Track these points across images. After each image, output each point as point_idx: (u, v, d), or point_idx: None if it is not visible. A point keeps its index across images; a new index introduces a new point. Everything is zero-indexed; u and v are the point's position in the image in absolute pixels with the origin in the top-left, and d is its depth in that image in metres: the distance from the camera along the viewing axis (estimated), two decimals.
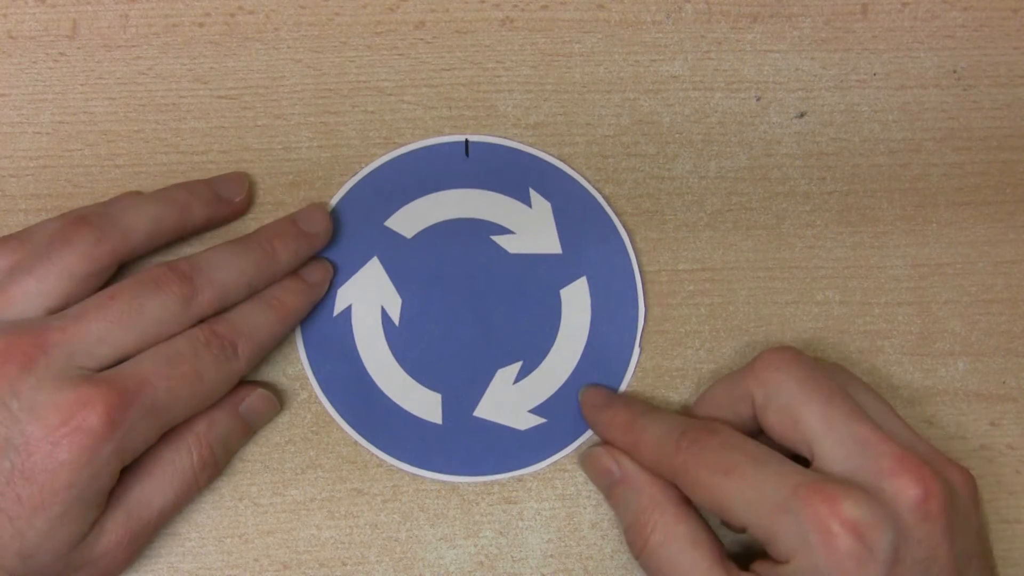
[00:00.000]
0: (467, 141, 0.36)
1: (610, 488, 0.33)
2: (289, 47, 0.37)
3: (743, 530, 0.29)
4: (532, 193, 0.36)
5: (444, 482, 0.35)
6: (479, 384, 0.35)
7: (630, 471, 0.32)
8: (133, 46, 0.36)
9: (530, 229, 0.36)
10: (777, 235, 0.37)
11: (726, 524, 0.31)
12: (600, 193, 0.36)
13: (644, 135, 0.37)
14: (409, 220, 0.36)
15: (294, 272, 0.34)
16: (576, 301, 0.36)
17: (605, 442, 0.34)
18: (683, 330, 0.36)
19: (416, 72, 0.37)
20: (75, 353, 0.29)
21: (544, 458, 0.35)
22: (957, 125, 0.38)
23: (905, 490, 0.28)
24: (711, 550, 0.30)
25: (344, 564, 0.34)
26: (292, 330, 0.34)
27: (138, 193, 0.35)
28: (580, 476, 0.35)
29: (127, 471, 0.30)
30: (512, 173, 0.36)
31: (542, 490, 0.35)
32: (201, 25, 0.37)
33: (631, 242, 0.36)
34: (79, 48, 0.36)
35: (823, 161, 0.37)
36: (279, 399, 0.35)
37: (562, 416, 0.35)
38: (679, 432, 0.31)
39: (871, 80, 0.38)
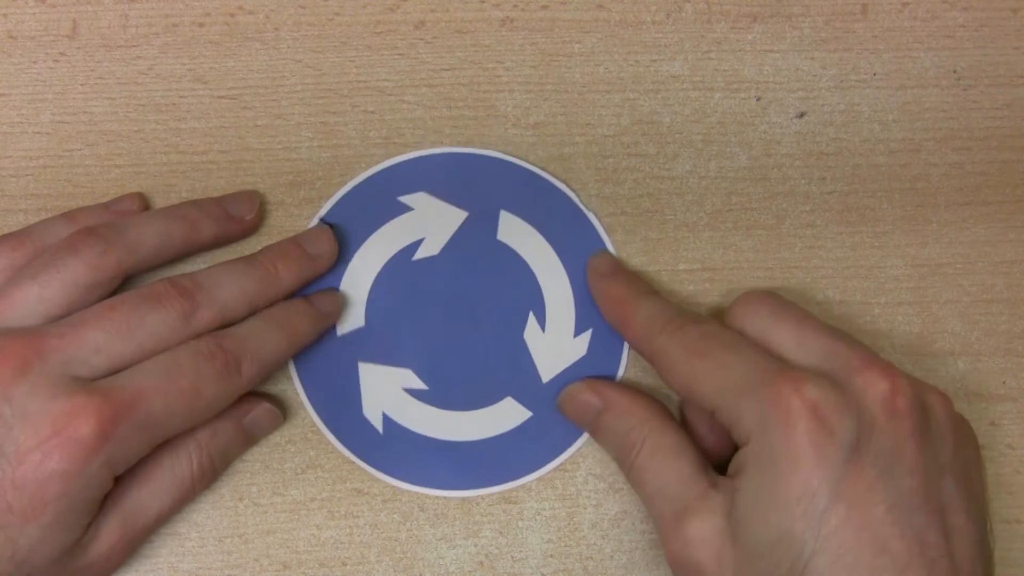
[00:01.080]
0: None
1: (595, 419, 0.33)
2: (289, 47, 0.37)
3: (711, 415, 0.30)
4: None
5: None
6: (525, 358, 0.35)
7: (612, 398, 0.33)
8: (133, 46, 0.36)
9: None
10: (777, 235, 0.37)
11: (696, 408, 0.32)
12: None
13: (644, 135, 0.37)
14: (350, 312, 0.35)
15: (305, 297, 0.34)
16: (515, 231, 0.36)
17: (587, 379, 0.34)
18: None
19: (416, 72, 0.37)
20: (70, 361, 0.28)
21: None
22: (957, 125, 0.38)
23: (872, 384, 0.28)
24: (694, 458, 0.31)
25: (344, 564, 0.34)
26: (296, 354, 0.34)
27: (140, 194, 0.35)
28: (580, 476, 0.35)
29: (125, 475, 0.30)
30: (378, 198, 0.36)
31: (542, 490, 0.35)
32: (201, 25, 0.37)
33: (557, 179, 0.36)
34: (79, 48, 0.36)
35: (823, 161, 0.37)
36: (284, 408, 0.34)
37: (600, 318, 0.35)
38: (668, 316, 0.32)
39: (871, 80, 0.38)
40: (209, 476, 0.33)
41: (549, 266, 0.36)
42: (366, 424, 0.35)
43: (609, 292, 0.34)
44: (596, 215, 0.36)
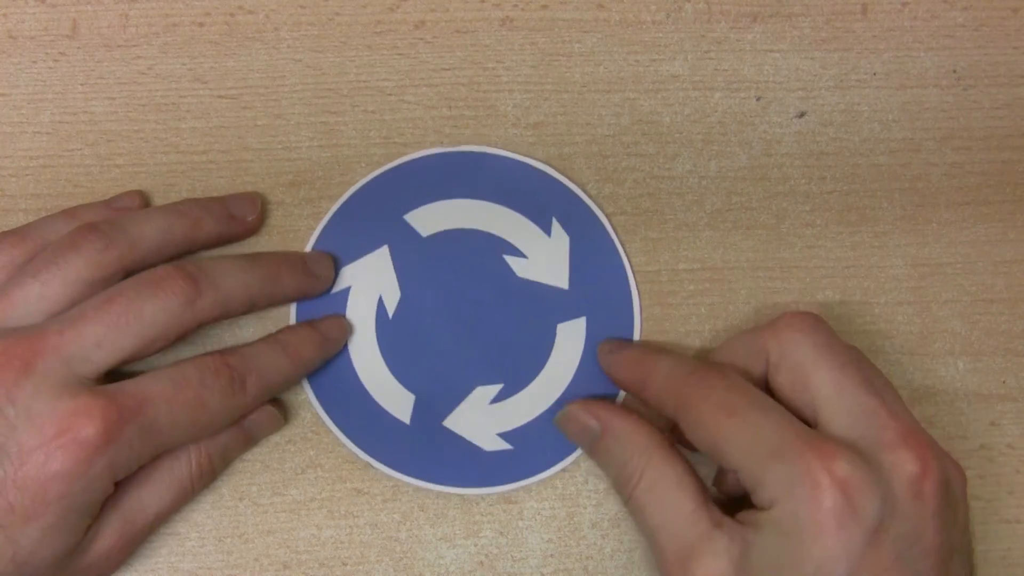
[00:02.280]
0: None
1: (592, 444, 0.33)
2: (289, 47, 0.37)
3: (735, 473, 0.29)
4: (555, 223, 0.36)
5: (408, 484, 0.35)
6: (455, 395, 0.35)
7: (611, 422, 0.32)
8: (133, 46, 0.36)
9: (543, 258, 0.36)
10: (777, 235, 0.37)
11: (719, 466, 0.32)
12: (619, 238, 0.36)
13: (644, 135, 0.37)
14: (427, 219, 0.36)
15: (311, 323, 0.34)
16: (571, 338, 0.35)
17: (586, 401, 0.34)
18: (683, 330, 0.36)
19: (416, 72, 0.37)
20: (72, 358, 0.28)
21: (503, 483, 0.34)
22: (957, 125, 0.38)
23: (903, 464, 0.28)
24: (696, 493, 0.30)
25: (344, 564, 0.34)
26: (302, 379, 0.34)
27: (140, 192, 0.35)
28: (580, 476, 0.35)
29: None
30: (539, 198, 0.36)
31: (542, 490, 0.35)
32: (201, 25, 0.37)
33: (637, 292, 0.36)
34: (79, 48, 0.36)
35: (823, 161, 0.37)
36: (285, 411, 0.34)
37: (530, 447, 0.35)
38: (689, 369, 0.31)
39: (871, 80, 0.38)
40: (208, 476, 0.33)
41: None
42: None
43: (625, 358, 0.34)
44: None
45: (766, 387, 0.31)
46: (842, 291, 0.37)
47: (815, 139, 0.37)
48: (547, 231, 0.36)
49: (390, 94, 0.37)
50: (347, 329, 0.35)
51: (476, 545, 0.35)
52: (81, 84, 0.36)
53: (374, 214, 0.36)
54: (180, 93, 0.36)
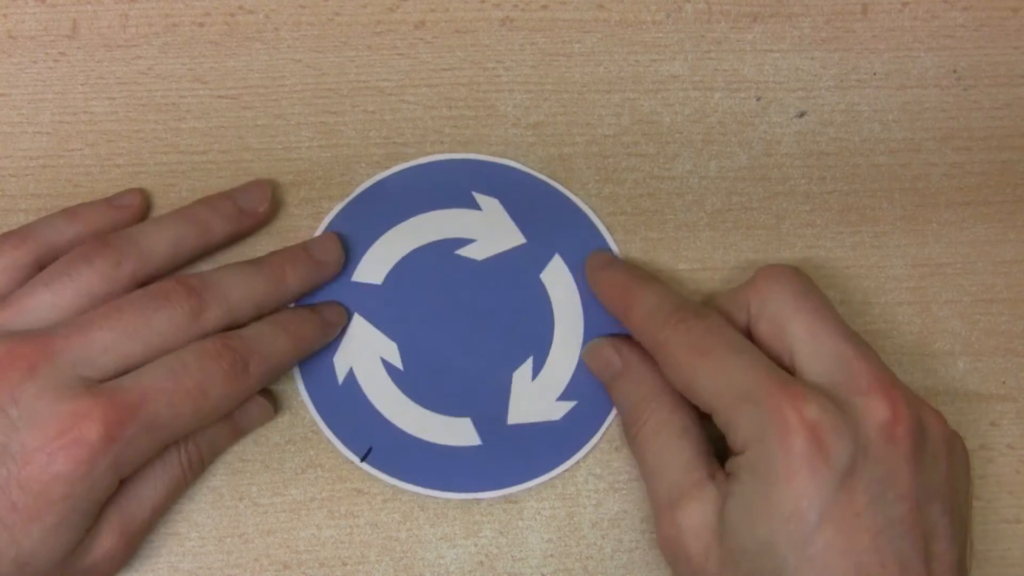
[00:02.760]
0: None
1: (612, 380, 0.34)
2: (289, 47, 0.37)
3: (709, 414, 0.30)
4: (476, 196, 0.36)
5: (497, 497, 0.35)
6: (502, 393, 0.35)
7: (632, 362, 0.33)
8: (133, 46, 0.36)
9: (489, 231, 0.36)
10: (777, 235, 0.37)
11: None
12: (533, 169, 0.36)
13: (644, 135, 0.37)
14: (374, 266, 0.35)
15: (311, 306, 0.34)
16: (559, 280, 0.36)
17: (613, 337, 0.34)
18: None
19: (416, 72, 0.37)
20: (78, 362, 0.28)
21: (588, 439, 0.35)
22: (957, 125, 0.38)
23: (874, 408, 0.28)
24: (697, 443, 0.31)
25: (344, 564, 0.34)
26: (303, 359, 0.34)
27: (141, 190, 0.35)
28: (580, 476, 0.35)
29: None
30: (451, 185, 0.36)
31: (542, 489, 0.35)
32: (201, 25, 0.37)
33: (586, 205, 0.36)
34: (79, 48, 0.36)
35: (823, 161, 0.37)
36: (275, 401, 0.34)
37: (590, 393, 0.35)
38: (670, 308, 0.31)
39: (871, 80, 0.38)
40: (197, 467, 0.33)
41: (569, 328, 0.35)
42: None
43: (610, 280, 0.34)
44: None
45: (749, 339, 0.31)
46: (842, 291, 0.37)
47: (815, 139, 0.37)
48: (475, 206, 0.36)
49: (390, 94, 0.37)
50: (343, 315, 0.35)
51: (476, 545, 0.35)
52: (81, 84, 0.36)
53: (327, 291, 0.35)
54: (180, 93, 0.36)
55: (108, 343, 0.29)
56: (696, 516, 0.29)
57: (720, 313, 0.32)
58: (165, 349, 0.30)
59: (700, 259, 0.36)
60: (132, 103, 0.36)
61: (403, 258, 0.35)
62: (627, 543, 0.35)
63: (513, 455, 0.35)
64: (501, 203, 0.36)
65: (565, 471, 0.35)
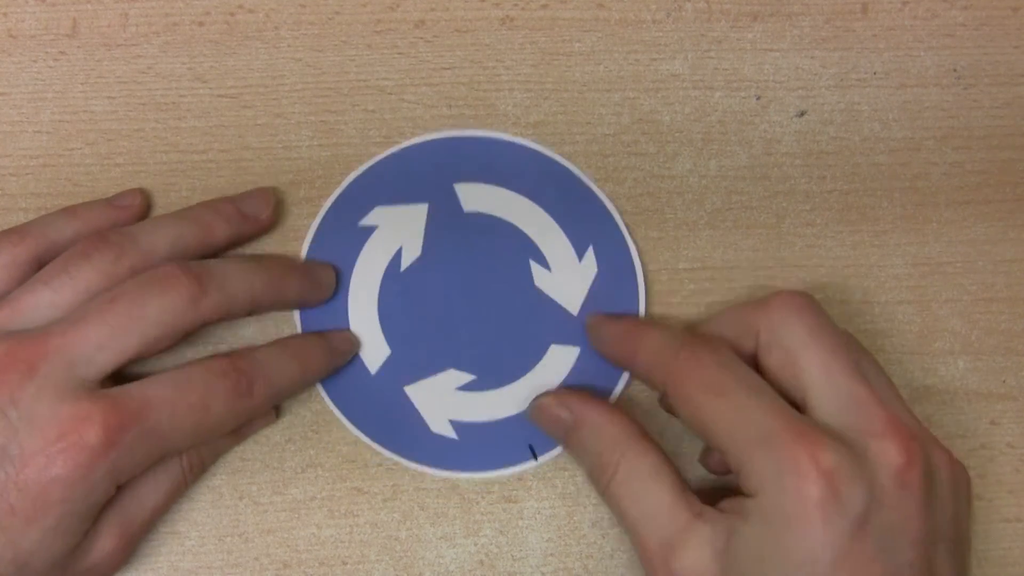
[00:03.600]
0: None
1: (566, 435, 0.33)
2: (289, 46, 0.37)
3: (720, 454, 0.29)
4: (590, 251, 0.36)
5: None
6: (427, 368, 0.35)
7: (583, 413, 0.32)
8: (133, 45, 0.36)
9: (566, 278, 0.35)
10: (777, 234, 0.37)
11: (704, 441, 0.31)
12: (645, 284, 0.36)
13: (644, 134, 0.37)
14: (474, 195, 0.36)
15: (319, 333, 0.34)
16: (559, 361, 0.35)
17: (558, 392, 0.34)
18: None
19: (416, 71, 0.37)
20: (75, 360, 0.28)
21: (442, 467, 0.35)
22: (957, 124, 0.38)
23: (888, 454, 0.28)
24: (673, 484, 0.30)
25: (344, 563, 0.34)
26: (309, 386, 0.34)
27: (142, 190, 0.35)
28: (580, 476, 0.35)
29: None
30: (586, 222, 0.36)
31: (542, 489, 0.35)
32: (201, 24, 0.37)
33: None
34: (79, 47, 0.36)
35: (823, 160, 0.37)
36: (276, 409, 0.34)
37: (474, 444, 0.35)
38: (680, 343, 0.31)
39: (871, 79, 0.38)
40: (198, 470, 0.33)
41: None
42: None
43: (611, 329, 0.34)
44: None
45: (755, 365, 0.31)
46: (842, 291, 0.37)
47: (815, 138, 0.37)
48: (580, 256, 0.36)
49: (390, 93, 0.37)
50: (355, 345, 0.35)
51: (476, 544, 0.35)
52: (81, 83, 0.36)
53: (427, 171, 0.36)
54: (180, 92, 0.36)
55: (103, 339, 0.29)
56: (694, 562, 0.28)
57: (727, 336, 0.32)
58: (163, 338, 0.29)
59: (700, 258, 0.36)
60: (132, 102, 0.36)
61: (495, 216, 0.36)
62: (627, 542, 0.35)
63: (382, 410, 0.35)
64: (597, 275, 0.36)
65: (565, 472, 0.35)
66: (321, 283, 0.34)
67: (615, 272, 0.36)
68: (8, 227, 0.33)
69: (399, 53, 0.37)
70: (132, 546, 0.31)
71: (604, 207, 0.36)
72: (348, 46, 0.37)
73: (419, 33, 0.37)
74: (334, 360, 0.34)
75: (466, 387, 0.35)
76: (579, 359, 0.35)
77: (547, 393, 0.34)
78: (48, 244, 0.32)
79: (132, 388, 0.29)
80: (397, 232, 0.35)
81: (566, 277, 0.35)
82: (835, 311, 0.36)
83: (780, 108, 0.37)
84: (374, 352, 0.35)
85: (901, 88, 0.38)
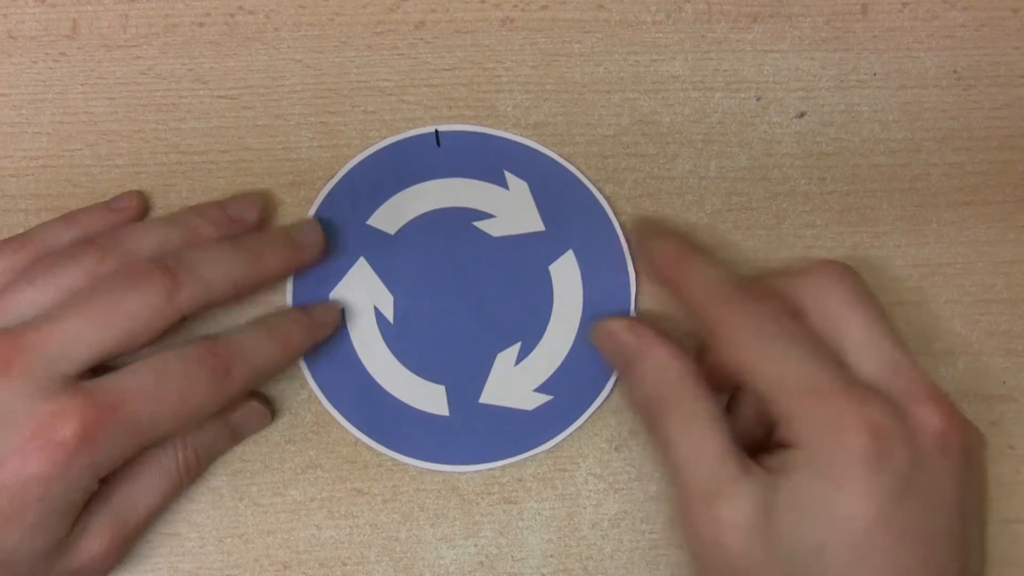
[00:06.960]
0: (437, 132, 0.36)
1: (628, 364, 0.32)
2: (289, 47, 0.37)
3: (761, 402, 0.29)
4: (507, 175, 0.36)
5: (448, 473, 0.35)
6: (481, 370, 0.35)
7: (652, 346, 0.31)
8: (133, 46, 0.36)
9: (510, 210, 0.36)
10: (777, 235, 0.37)
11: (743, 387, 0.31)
12: (572, 164, 0.36)
13: (644, 135, 0.37)
14: (390, 216, 0.36)
15: (301, 307, 0.34)
16: (566, 275, 0.36)
17: (630, 319, 0.34)
18: (683, 330, 0.36)
19: (416, 72, 0.37)
20: (52, 356, 0.28)
21: (554, 435, 0.35)
22: (957, 125, 0.38)
23: (930, 418, 0.28)
24: (726, 435, 0.29)
25: (344, 564, 0.34)
26: (291, 363, 0.34)
27: (139, 192, 0.35)
28: (580, 476, 0.35)
29: (111, 474, 0.30)
30: (485, 158, 0.36)
31: (542, 490, 0.35)
32: (201, 25, 0.37)
33: (611, 209, 0.36)
34: (79, 48, 0.36)
35: (823, 161, 0.37)
36: (272, 407, 0.34)
37: (568, 391, 0.35)
38: (732, 286, 0.30)
39: (871, 80, 0.38)
40: (194, 471, 0.33)
41: (565, 324, 0.36)
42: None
43: (664, 249, 0.33)
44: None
45: None
46: None
47: (815, 139, 0.37)
48: (503, 184, 0.36)
49: (390, 94, 0.37)
50: (338, 315, 0.35)
51: (476, 545, 0.35)
52: (81, 84, 0.36)
53: (341, 227, 0.36)
54: (180, 93, 0.36)
55: (80, 333, 0.28)
56: (739, 513, 0.28)
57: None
58: (141, 333, 0.29)
59: None
60: (132, 103, 0.36)
61: (420, 215, 0.36)
62: (627, 543, 0.35)
63: (477, 434, 0.35)
64: (529, 187, 0.36)
65: (565, 472, 0.35)
66: (305, 243, 0.34)
67: (547, 176, 0.36)
68: (8, 228, 0.33)
69: (399, 54, 0.37)
70: (125, 547, 0.31)
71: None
72: (348, 47, 0.37)
73: (419, 34, 0.37)
74: (316, 333, 0.34)
75: (521, 355, 0.35)
76: (578, 259, 0.36)
77: (616, 318, 0.33)
78: (47, 251, 0.32)
79: (107, 380, 0.29)
80: (362, 298, 0.35)
81: (509, 208, 0.36)
82: None
83: (780, 109, 0.37)
84: (434, 398, 0.35)
85: (901, 89, 0.38)
